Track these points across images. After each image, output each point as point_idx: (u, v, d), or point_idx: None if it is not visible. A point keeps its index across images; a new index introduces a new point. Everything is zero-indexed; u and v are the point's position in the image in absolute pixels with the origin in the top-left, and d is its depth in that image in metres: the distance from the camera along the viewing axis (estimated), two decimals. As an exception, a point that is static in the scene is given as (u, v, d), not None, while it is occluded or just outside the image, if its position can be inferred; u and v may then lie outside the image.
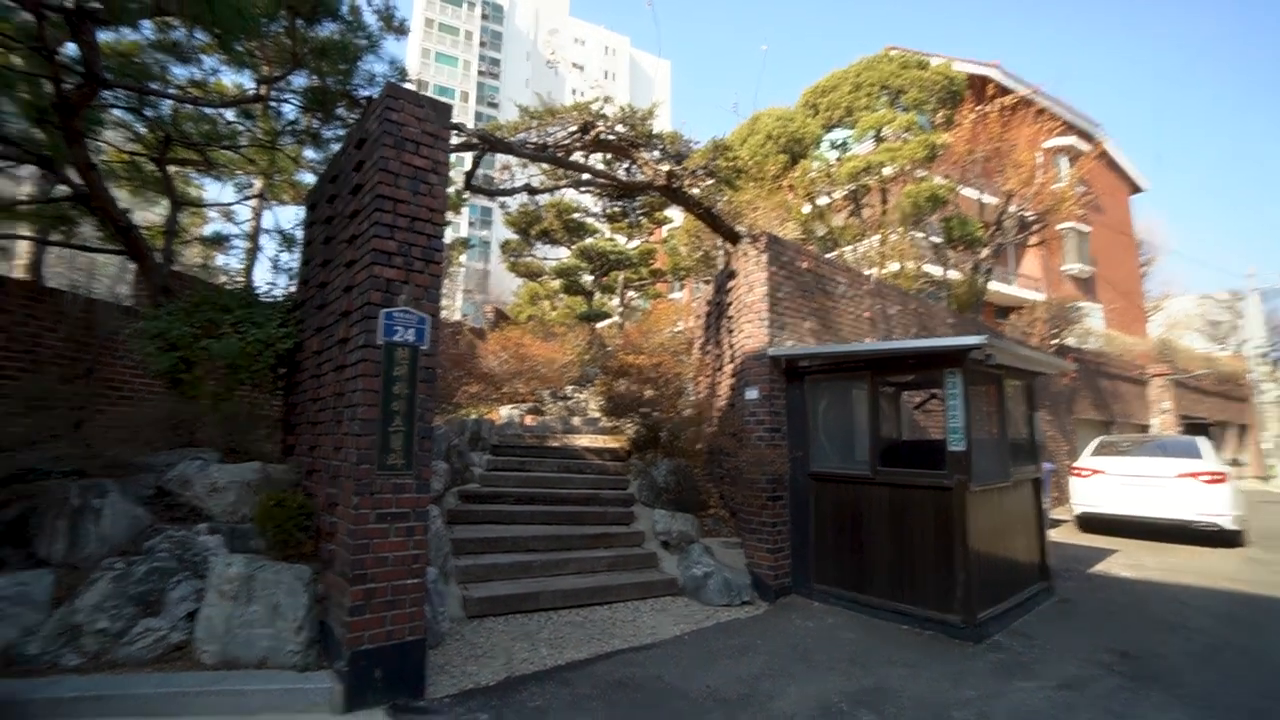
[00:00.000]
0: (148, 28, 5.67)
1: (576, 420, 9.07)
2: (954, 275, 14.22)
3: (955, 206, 13.68)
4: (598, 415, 8.83)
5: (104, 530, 4.04)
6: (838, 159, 14.00)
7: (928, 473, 4.99)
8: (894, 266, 12.84)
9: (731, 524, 6.34)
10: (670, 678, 3.89)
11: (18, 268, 7.21)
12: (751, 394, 6.02)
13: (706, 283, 9.14)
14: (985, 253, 13.78)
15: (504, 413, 8.55)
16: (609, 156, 7.00)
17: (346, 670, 3.32)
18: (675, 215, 16.49)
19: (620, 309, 19.62)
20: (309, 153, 6.91)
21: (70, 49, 4.94)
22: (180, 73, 6.11)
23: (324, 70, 5.69)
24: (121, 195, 6.59)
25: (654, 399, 7.23)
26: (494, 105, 59.62)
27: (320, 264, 4.63)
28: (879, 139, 13.62)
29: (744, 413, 6.09)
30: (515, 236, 19.08)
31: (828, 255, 10.58)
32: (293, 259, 6.36)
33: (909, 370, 5.52)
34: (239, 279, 8.14)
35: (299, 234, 6.39)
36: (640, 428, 7.38)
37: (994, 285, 17.80)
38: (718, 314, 6.93)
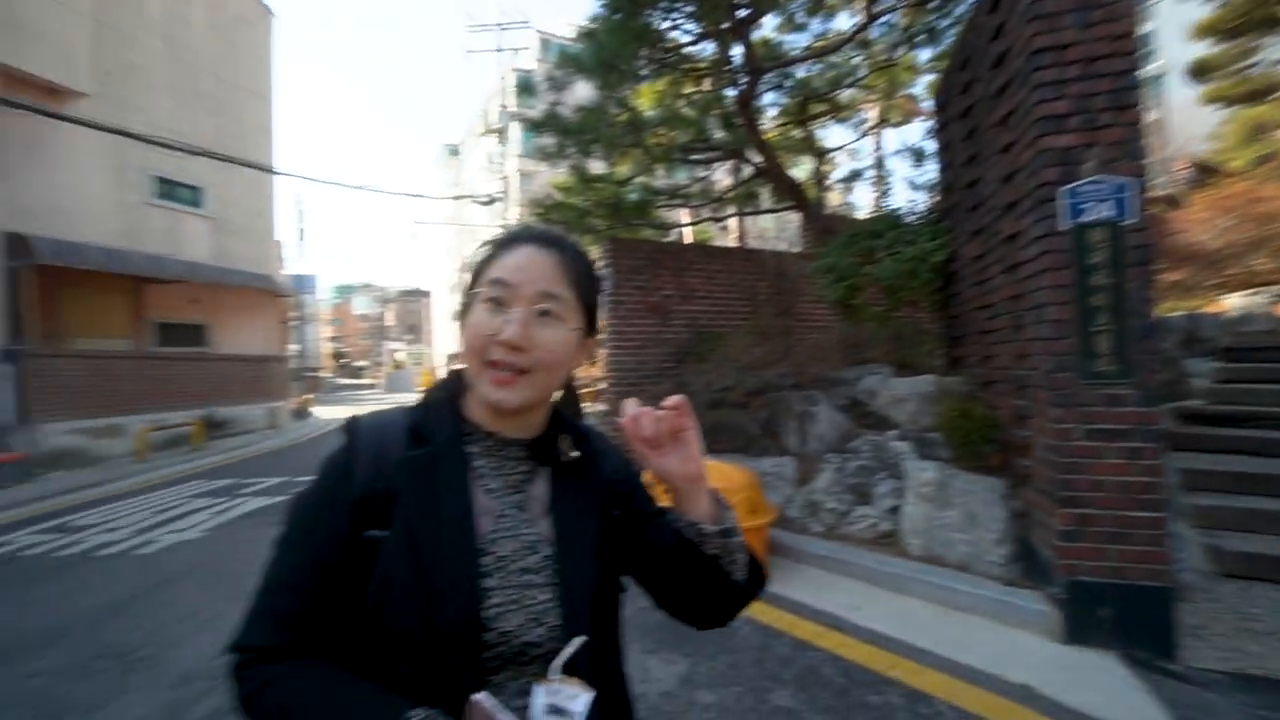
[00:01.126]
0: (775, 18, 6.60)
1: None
2: None
3: None
4: None
5: (820, 431, 5.03)
6: None
7: None
8: None
9: None
10: None
11: (731, 238, 9.97)
12: None
13: None
14: None
15: (1233, 303, 6.10)
16: None
17: (1065, 599, 2.98)
18: None
19: None
20: (924, 55, 6.65)
21: (735, 55, 6.23)
22: (798, 39, 6.89)
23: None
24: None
25: None
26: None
27: (964, 162, 4.28)
28: None
29: None
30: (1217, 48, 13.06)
31: None
32: (926, 171, 6.26)
33: None
34: (875, 209, 8.74)
35: (928, 145, 6.24)
36: None
37: None
38: None
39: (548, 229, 0.84)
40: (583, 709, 0.66)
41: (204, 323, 13.54)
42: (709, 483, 0.79)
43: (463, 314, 0.80)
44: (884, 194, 7.63)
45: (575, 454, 0.83)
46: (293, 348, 21.06)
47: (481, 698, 0.63)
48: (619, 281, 6.31)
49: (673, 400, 0.74)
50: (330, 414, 20.51)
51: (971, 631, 3.16)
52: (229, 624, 3.01)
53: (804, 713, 2.52)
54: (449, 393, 0.83)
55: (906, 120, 7.92)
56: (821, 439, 5.03)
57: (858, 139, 8.16)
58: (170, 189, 12.36)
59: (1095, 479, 2.90)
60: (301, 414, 18.03)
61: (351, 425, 0.79)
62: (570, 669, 0.70)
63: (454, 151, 44.15)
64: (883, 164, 8.46)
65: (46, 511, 6.88)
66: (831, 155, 9.35)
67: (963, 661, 2.86)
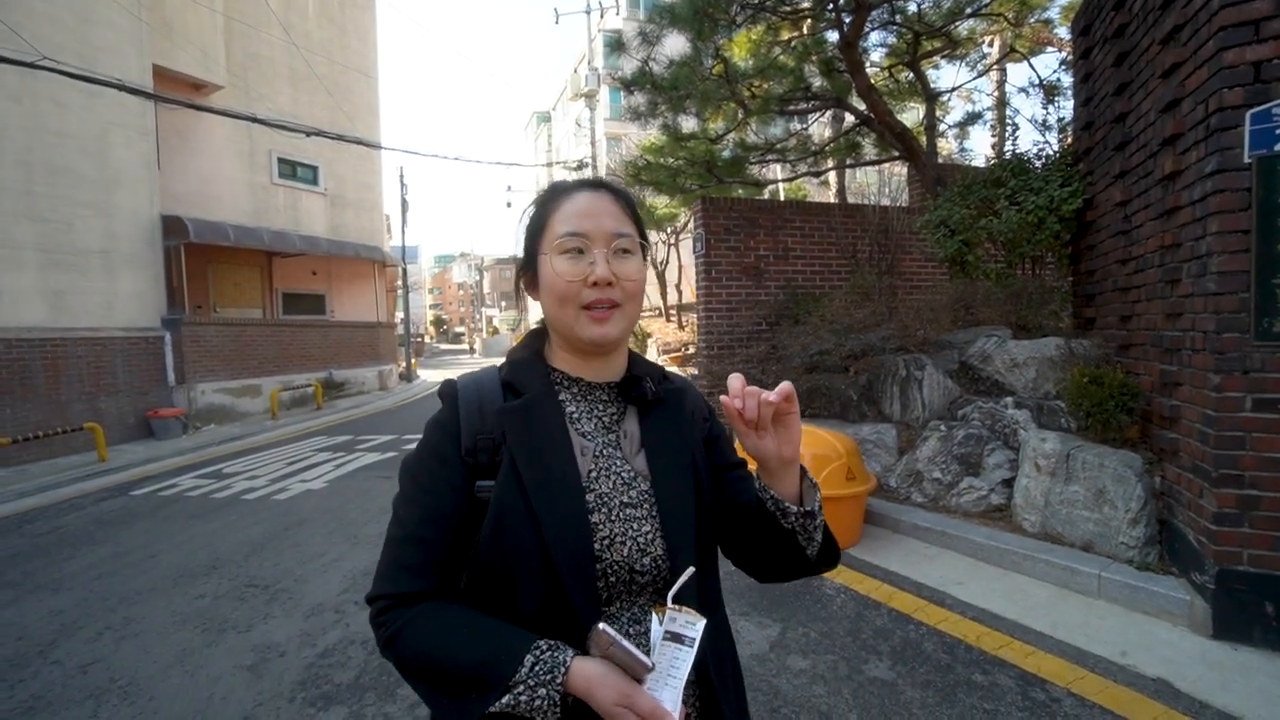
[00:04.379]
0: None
1: None
2: None
3: None
4: None
5: (925, 396, 4.71)
6: None
7: None
8: None
9: None
10: None
11: (830, 195, 9.42)
12: None
13: None
14: None
15: None
16: None
17: (1213, 588, 2.64)
18: None
19: None
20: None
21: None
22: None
23: None
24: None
25: None
26: None
27: (1111, 93, 3.73)
28: None
29: None
30: None
31: None
32: (1057, 110, 5.55)
33: None
34: (995, 155, 7.91)
35: (1060, 80, 5.50)
36: None
37: None
38: None
39: (585, 176, 0.92)
40: (699, 634, 0.68)
41: (323, 292, 14.75)
42: (800, 463, 0.80)
43: (526, 279, 0.87)
44: (1006, 138, 6.87)
45: (659, 393, 0.87)
46: (399, 315, 22.54)
47: (603, 627, 0.66)
48: (712, 242, 6.14)
49: (782, 389, 0.73)
50: (433, 376, 21.88)
51: (1096, 616, 2.89)
52: (349, 565, 3.29)
53: (902, 686, 2.42)
54: (533, 348, 0.88)
55: (1036, 52, 6.99)
56: (927, 405, 4.72)
57: (976, 77, 7.31)
58: (291, 169, 13.38)
59: (1267, 456, 2.51)
60: (408, 376, 19.34)
61: (449, 388, 0.84)
62: (677, 598, 0.72)
63: (544, 118, 44.64)
64: (1005, 104, 7.55)
65: (203, 460, 7.87)
66: (945, 98, 8.53)
67: (1086, 648, 2.62)
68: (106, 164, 8.99)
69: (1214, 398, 2.58)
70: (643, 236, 0.85)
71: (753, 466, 0.84)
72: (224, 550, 4.36)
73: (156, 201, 9.84)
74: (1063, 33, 7.48)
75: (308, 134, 9.82)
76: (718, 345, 6.29)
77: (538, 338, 0.90)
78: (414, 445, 0.85)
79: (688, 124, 7.21)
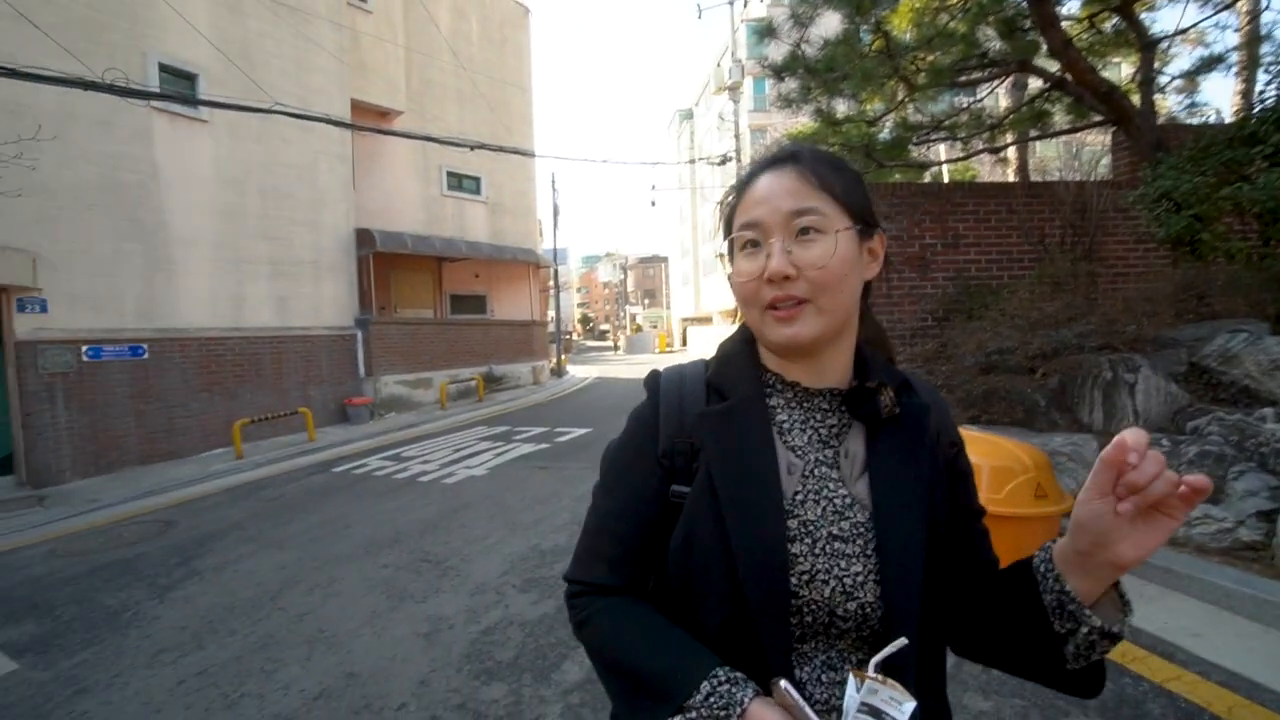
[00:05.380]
0: None
1: None
2: None
3: None
4: None
5: (1139, 404, 3.96)
6: None
7: None
8: None
9: None
10: None
11: (1010, 173, 8.34)
12: None
13: None
14: None
15: None
16: None
17: None
18: None
19: None
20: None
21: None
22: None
23: None
24: (1085, 68, 6.36)
25: None
26: None
27: None
28: None
29: None
30: None
31: None
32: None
33: None
34: (1240, 109, 6.43)
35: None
36: None
37: None
38: None
39: (780, 149, 0.75)
40: (906, 718, 0.57)
41: (484, 293, 16.07)
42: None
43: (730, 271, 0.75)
44: (1249, 88, 5.51)
45: (895, 408, 0.71)
46: (550, 313, 23.94)
47: (785, 686, 0.60)
48: (868, 232, 5.68)
49: (1200, 481, 0.50)
50: (581, 372, 22.94)
51: None
52: (508, 549, 3.49)
53: (1126, 756, 2.00)
54: (744, 343, 0.78)
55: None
56: (1141, 415, 3.95)
57: (1215, 13, 5.81)
58: (457, 181, 14.76)
59: None
60: (559, 372, 20.47)
61: (653, 381, 0.79)
62: (887, 669, 0.60)
63: (687, 115, 44.89)
64: (1260, 40, 6.04)
65: (386, 444, 8.92)
66: (1165, 46, 7.07)
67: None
68: (315, 187, 10.53)
69: None
70: (852, 204, 0.69)
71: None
72: (403, 526, 4.86)
73: (352, 217, 11.36)
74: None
75: (472, 148, 10.71)
76: (874, 343, 5.82)
77: (750, 330, 0.78)
78: (614, 435, 0.82)
79: (842, 107, 6.75)
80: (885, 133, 6.71)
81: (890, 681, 0.59)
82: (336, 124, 9.53)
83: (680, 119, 46.34)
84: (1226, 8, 5.74)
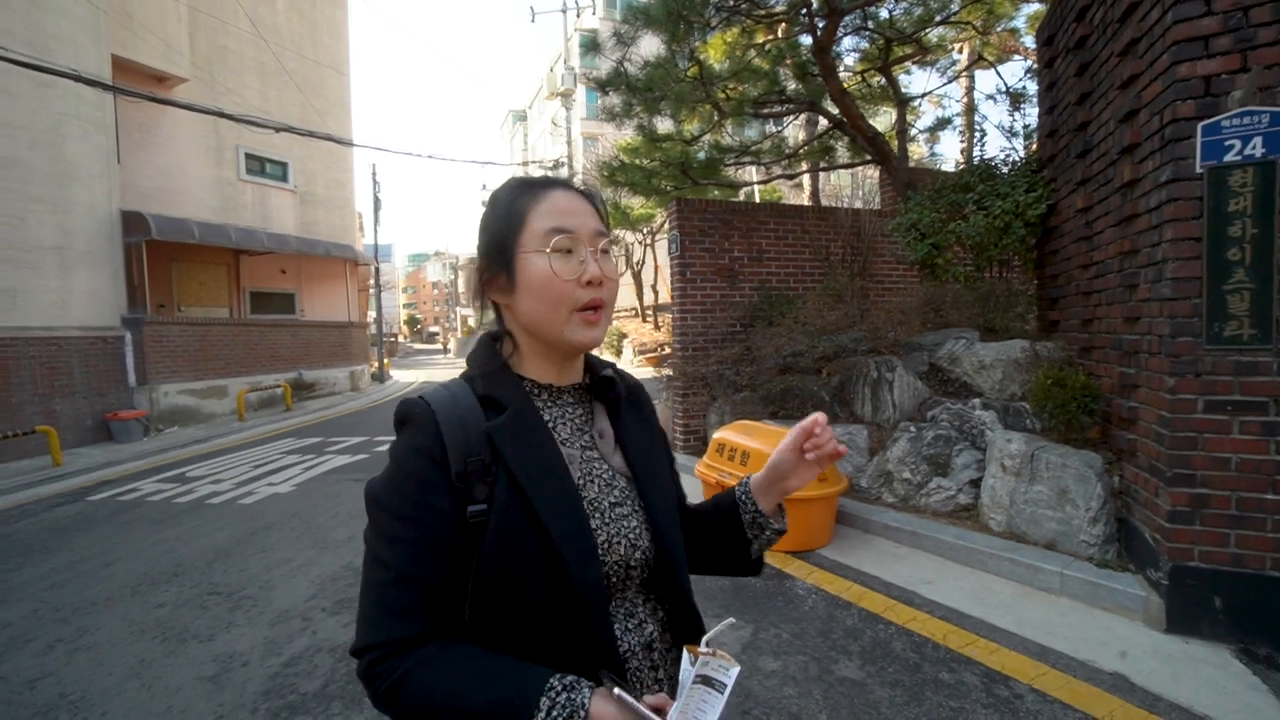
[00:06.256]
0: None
1: None
2: None
3: None
4: None
5: (896, 398, 4.79)
6: None
7: None
8: None
9: None
10: None
11: (804, 197, 9.54)
12: None
13: None
14: None
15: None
16: None
17: (1166, 584, 2.73)
18: None
19: None
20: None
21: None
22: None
23: None
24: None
25: None
26: None
27: (1074, 102, 3.84)
28: None
29: None
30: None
31: None
32: (1023, 117, 5.69)
33: None
34: (964, 160, 8.08)
35: (1029, 87, 5.65)
36: None
37: None
38: None
39: (549, 175, 0.95)
40: (732, 680, 0.65)
41: (292, 291, 14.42)
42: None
43: (494, 280, 0.79)
44: (974, 144, 7.01)
45: (625, 391, 0.90)
46: (371, 314, 22.17)
47: (620, 693, 0.62)
48: (687, 244, 6.15)
49: (841, 449, 0.84)
50: (406, 376, 21.57)
51: (1058, 614, 2.96)
52: (317, 570, 3.20)
53: (871, 685, 2.45)
54: (499, 358, 0.82)
55: (1003, 60, 7.15)
56: (897, 407, 4.79)
57: (946, 83, 7.44)
58: (259, 165, 13.07)
59: (1217, 456, 2.60)
60: (380, 377, 19.03)
61: (421, 410, 0.74)
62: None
63: (520, 117, 44.30)
64: (974, 110, 7.72)
65: (166, 463, 7.63)
66: (916, 103, 8.70)
67: (1048, 644, 2.69)
68: (60, 157, 8.66)
69: (1169, 399, 2.67)
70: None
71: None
72: (186, 557, 4.23)
73: (116, 197, 9.52)
74: (1028, 41, 7.68)
75: (276, 129, 9.61)
76: (693, 346, 6.31)
77: (496, 345, 0.83)
78: (381, 473, 0.75)
79: (663, 125, 7.23)
80: (702, 153, 7.33)
81: (719, 652, 0.67)
82: (87, 82, 7.92)
83: (514, 120, 45.61)
84: (953, 81, 7.25)
